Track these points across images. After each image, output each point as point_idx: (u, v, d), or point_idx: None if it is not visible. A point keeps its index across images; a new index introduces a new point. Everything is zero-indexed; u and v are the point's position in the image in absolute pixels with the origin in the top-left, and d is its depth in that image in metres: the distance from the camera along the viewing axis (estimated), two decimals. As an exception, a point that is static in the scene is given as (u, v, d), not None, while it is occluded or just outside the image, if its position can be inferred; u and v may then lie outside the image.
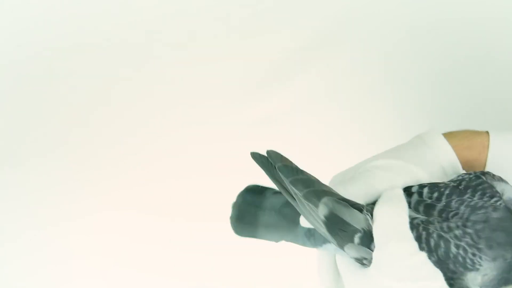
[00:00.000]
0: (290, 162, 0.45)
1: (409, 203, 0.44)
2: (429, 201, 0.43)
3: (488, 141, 0.50)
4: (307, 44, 0.81)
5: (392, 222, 0.42)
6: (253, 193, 0.53)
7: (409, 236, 0.42)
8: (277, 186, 0.46)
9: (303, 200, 0.44)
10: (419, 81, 0.82)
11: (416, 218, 0.43)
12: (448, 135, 0.51)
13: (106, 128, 0.82)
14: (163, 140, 0.82)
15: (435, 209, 0.43)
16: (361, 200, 0.46)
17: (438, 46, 0.80)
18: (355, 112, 0.81)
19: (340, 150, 0.80)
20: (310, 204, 0.44)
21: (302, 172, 0.45)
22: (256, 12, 0.81)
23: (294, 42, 0.80)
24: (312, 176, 0.45)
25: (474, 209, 0.41)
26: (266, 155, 0.46)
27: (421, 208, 0.43)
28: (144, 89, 0.83)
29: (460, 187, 0.44)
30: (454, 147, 0.49)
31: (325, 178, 0.47)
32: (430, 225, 0.42)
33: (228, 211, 0.53)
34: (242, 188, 0.53)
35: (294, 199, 0.45)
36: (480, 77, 0.80)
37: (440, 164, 0.48)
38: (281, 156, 0.46)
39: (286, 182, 0.44)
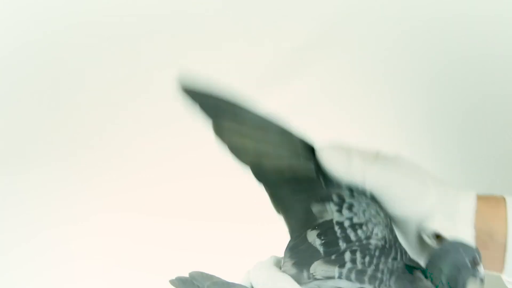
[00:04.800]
0: (218, 278, 0.44)
1: None
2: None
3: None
4: (305, 45, 0.81)
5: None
6: None
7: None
8: None
9: None
10: (418, 81, 0.82)
11: None
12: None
13: (107, 130, 0.82)
14: (164, 142, 0.83)
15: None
16: None
17: (437, 45, 0.80)
18: (354, 112, 0.82)
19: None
20: None
21: (234, 284, 0.44)
22: (254, 12, 0.81)
23: (292, 42, 0.80)
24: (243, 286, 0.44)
25: None
26: (188, 277, 0.44)
27: None
28: (144, 90, 0.83)
29: None
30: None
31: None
32: None
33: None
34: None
35: None
36: (480, 77, 0.80)
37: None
38: (207, 274, 0.44)
39: None
